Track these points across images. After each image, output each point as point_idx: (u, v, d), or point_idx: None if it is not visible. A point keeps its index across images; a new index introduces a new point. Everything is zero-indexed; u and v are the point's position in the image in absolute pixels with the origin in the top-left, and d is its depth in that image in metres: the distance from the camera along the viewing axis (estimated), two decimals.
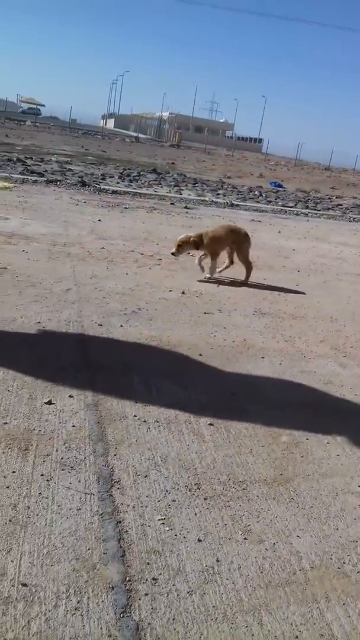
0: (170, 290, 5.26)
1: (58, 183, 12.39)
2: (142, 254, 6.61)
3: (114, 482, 2.32)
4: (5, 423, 2.65)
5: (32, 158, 18.05)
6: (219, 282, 5.85)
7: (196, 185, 17.65)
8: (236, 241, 5.90)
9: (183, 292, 5.27)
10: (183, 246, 5.66)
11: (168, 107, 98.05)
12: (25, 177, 12.69)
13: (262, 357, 3.95)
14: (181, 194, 14.17)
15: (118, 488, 2.28)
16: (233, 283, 5.89)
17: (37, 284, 4.83)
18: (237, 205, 13.70)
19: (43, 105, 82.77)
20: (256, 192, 17.96)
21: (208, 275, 5.85)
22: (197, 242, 5.62)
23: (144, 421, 2.84)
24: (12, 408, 2.79)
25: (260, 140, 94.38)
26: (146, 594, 1.80)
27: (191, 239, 5.62)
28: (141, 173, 18.57)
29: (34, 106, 77.82)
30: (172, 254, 5.71)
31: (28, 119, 54.26)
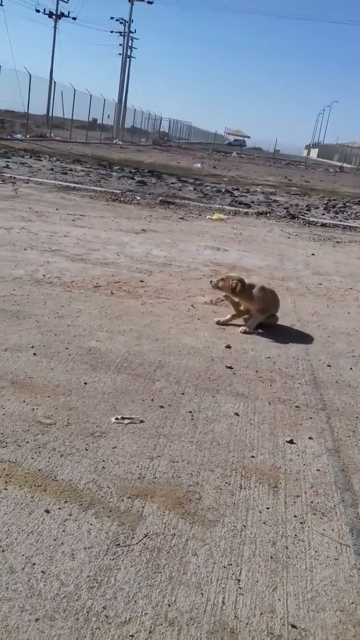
0: None
1: (267, 215, 12.70)
2: None
3: None
4: (253, 457, 2.78)
5: (238, 189, 18.74)
6: None
7: None
8: None
9: None
10: None
11: None
12: (235, 208, 13.24)
13: None
14: None
15: None
16: None
17: None
18: None
19: (248, 137, 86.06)
20: None
21: None
22: None
23: None
24: (257, 442, 2.92)
25: None
26: None
27: None
28: (347, 204, 18.17)
29: (240, 138, 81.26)
30: None
31: (234, 150, 56.69)
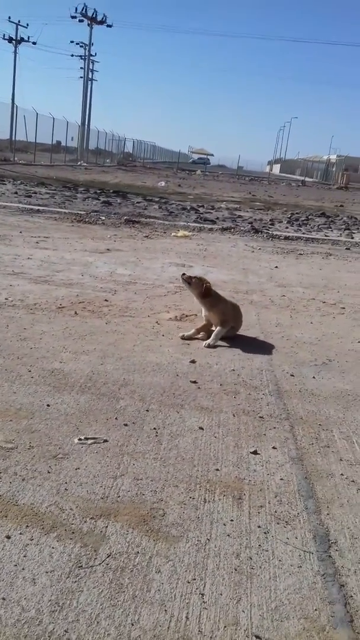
0: (359, 342, 5.13)
1: (232, 230, 12.85)
2: (323, 302, 6.56)
3: (331, 542, 2.30)
4: (217, 470, 2.78)
5: (203, 206, 18.93)
6: None
7: None
8: None
9: None
10: None
11: (336, 149, 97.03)
12: (200, 225, 13.37)
13: None
14: (353, 238, 13.82)
15: (336, 550, 2.26)
16: None
17: None
18: None
19: (212, 155, 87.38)
20: None
21: None
22: None
23: (352, 481, 2.79)
24: (221, 455, 2.92)
25: None
26: None
27: None
28: (309, 217, 18.51)
29: (204, 156, 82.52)
30: None
31: (198, 168, 57.36)
